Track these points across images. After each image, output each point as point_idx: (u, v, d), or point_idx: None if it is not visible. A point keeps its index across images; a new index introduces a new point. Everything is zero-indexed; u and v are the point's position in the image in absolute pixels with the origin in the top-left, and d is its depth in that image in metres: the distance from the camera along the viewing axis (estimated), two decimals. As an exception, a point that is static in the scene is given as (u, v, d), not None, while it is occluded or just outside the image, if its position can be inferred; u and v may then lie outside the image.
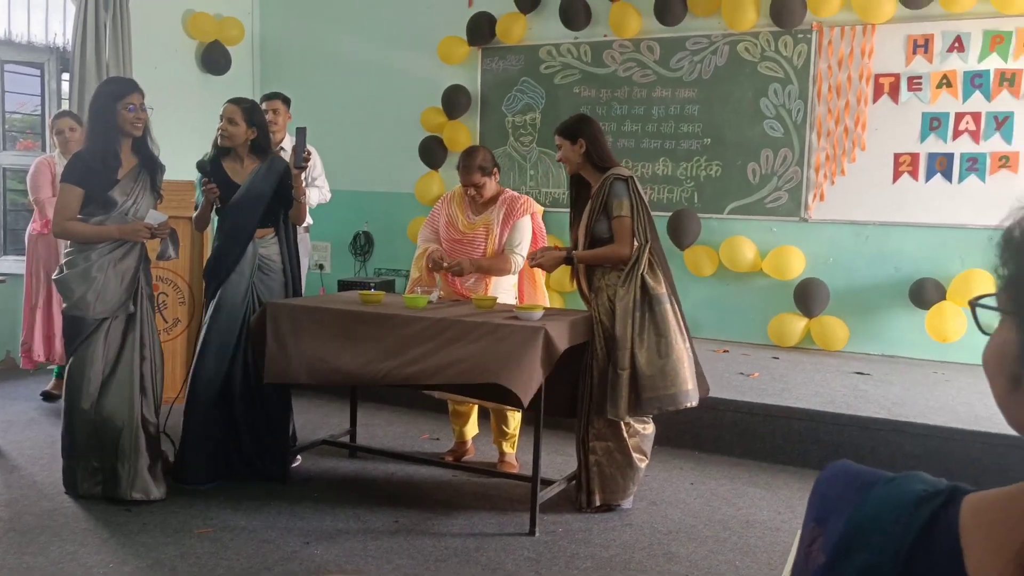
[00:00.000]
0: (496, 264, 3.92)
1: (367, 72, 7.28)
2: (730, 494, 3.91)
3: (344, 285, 6.65)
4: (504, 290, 4.02)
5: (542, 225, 4.11)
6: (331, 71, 7.42)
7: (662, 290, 3.49)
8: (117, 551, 3.08)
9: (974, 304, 0.79)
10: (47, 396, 5.13)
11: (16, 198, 5.99)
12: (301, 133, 3.86)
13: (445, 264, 3.89)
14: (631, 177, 3.55)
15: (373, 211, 7.34)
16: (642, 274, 3.47)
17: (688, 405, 3.50)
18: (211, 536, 3.24)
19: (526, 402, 3.17)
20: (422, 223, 6.82)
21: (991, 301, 0.78)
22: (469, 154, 3.97)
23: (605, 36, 6.44)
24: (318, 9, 7.51)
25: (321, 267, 7.41)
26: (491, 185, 3.98)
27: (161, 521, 3.36)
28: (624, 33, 6.29)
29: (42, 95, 6.22)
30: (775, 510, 3.72)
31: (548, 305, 4.09)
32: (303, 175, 4.05)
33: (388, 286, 6.80)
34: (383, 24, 7.22)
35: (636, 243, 3.50)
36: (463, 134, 6.90)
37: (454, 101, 6.88)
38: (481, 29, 6.74)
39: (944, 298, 5.39)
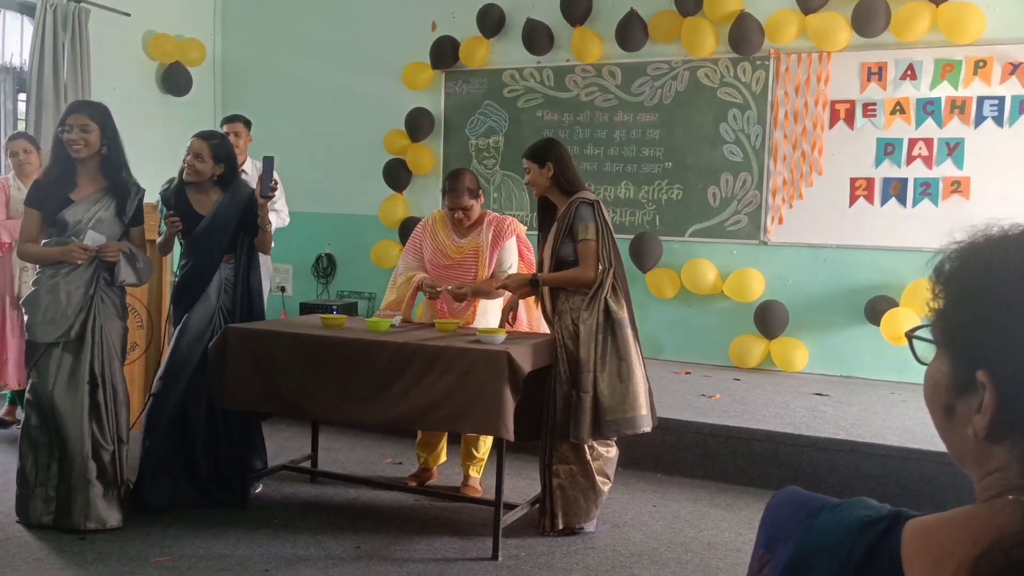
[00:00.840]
0: (490, 286, 3.91)
1: (330, 94, 7.28)
2: (692, 516, 3.93)
3: (306, 308, 6.61)
4: (493, 311, 4.01)
5: (529, 243, 4.10)
6: (294, 93, 7.40)
7: (624, 315, 3.53)
8: (70, 582, 3.02)
9: (910, 336, 0.81)
10: (1, 422, 5.02)
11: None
12: (268, 163, 3.84)
13: (447, 288, 3.87)
14: (597, 201, 3.59)
15: (336, 233, 7.31)
16: (606, 298, 3.49)
17: (644, 430, 3.53)
18: (168, 565, 3.18)
19: (512, 437, 3.21)
20: (386, 245, 6.93)
21: (926, 333, 0.80)
22: (456, 177, 3.97)
23: (567, 61, 6.51)
24: (281, 31, 7.50)
25: (283, 289, 7.36)
26: (477, 207, 3.99)
27: (117, 550, 3.29)
28: (586, 58, 6.37)
29: (-2, 115, 6.13)
30: (736, 531, 3.74)
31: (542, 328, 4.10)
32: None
33: (351, 309, 6.77)
34: (346, 47, 7.23)
35: (601, 267, 3.52)
36: (427, 157, 6.92)
37: (418, 124, 6.91)
38: (444, 53, 6.78)
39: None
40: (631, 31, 6.16)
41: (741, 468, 4.41)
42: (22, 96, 6.13)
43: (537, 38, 6.46)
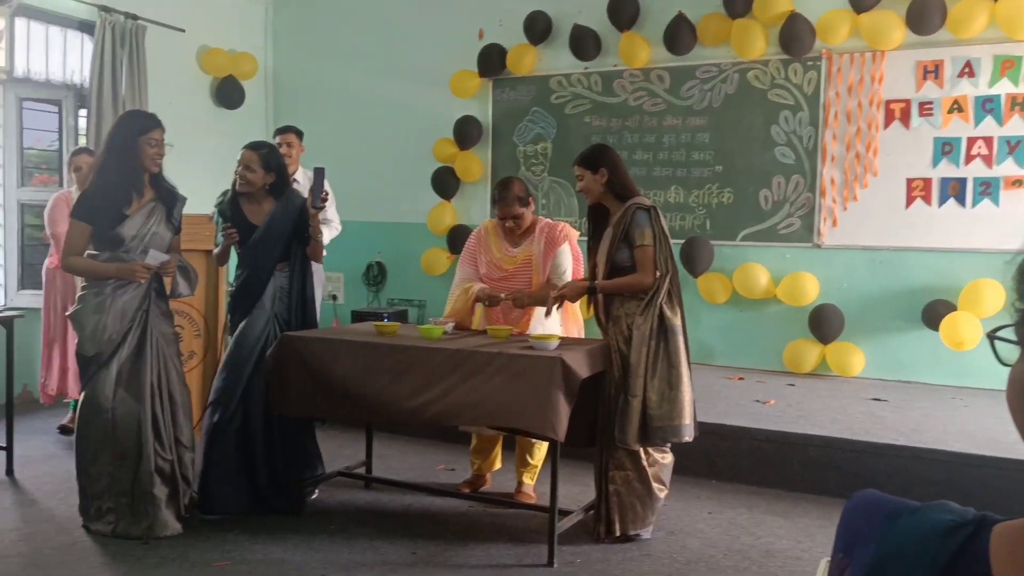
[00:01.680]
0: (551, 295, 3.90)
1: (379, 104, 7.36)
2: (748, 523, 3.88)
3: (357, 316, 6.68)
4: (550, 318, 3.96)
5: (579, 250, 4.09)
6: (344, 104, 7.50)
7: (678, 321, 3.50)
8: (135, 585, 3.08)
9: (992, 336, 0.79)
10: (63, 430, 5.15)
11: (33, 233, 6.05)
12: (319, 174, 3.89)
13: (504, 296, 3.88)
14: (654, 207, 3.56)
15: (386, 241, 7.38)
16: (661, 304, 3.47)
17: (687, 439, 3.50)
18: (229, 569, 3.23)
19: (562, 439, 3.19)
20: (435, 253, 6.98)
21: (1009, 333, 0.78)
22: (505, 186, 3.97)
23: (615, 66, 6.50)
24: (330, 43, 7.61)
25: (334, 298, 7.44)
26: (528, 215, 4.00)
27: (179, 555, 3.35)
28: (634, 63, 6.34)
29: (59, 131, 6.30)
30: (795, 539, 3.69)
31: (582, 335, 4.09)
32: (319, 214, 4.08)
33: (401, 316, 6.82)
34: (395, 57, 7.31)
35: (657, 273, 3.50)
36: (475, 164, 6.95)
37: (466, 132, 6.94)
38: (492, 61, 6.81)
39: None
40: (679, 34, 6.12)
41: (798, 475, 4.34)
42: (83, 112, 6.30)
43: (584, 44, 6.46)
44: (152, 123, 3.57)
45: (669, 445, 3.58)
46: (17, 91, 5.96)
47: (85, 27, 6.25)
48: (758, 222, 6.10)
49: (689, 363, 3.56)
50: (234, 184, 3.87)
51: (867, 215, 5.77)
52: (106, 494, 3.51)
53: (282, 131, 5.22)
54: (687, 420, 3.47)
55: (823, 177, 5.89)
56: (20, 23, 5.89)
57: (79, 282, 4.98)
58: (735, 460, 4.47)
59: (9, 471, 4.35)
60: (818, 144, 5.89)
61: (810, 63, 5.89)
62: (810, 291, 5.84)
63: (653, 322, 3.45)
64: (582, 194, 3.71)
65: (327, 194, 3.89)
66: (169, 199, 3.64)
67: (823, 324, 5.78)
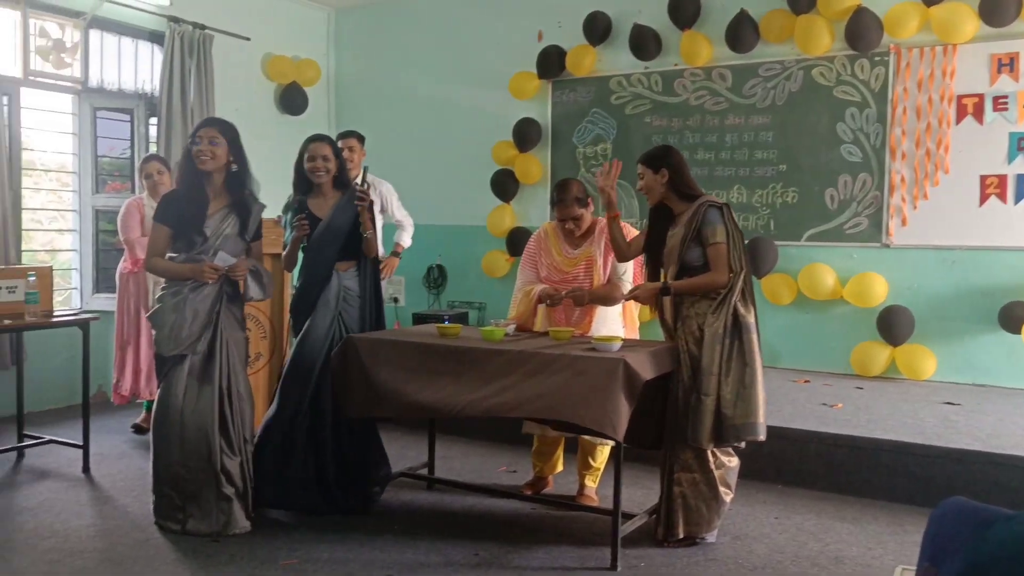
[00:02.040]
0: (609, 292, 3.89)
1: (439, 107, 7.42)
2: (817, 529, 3.79)
3: (419, 318, 6.73)
4: (612, 320, 3.98)
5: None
6: (404, 108, 7.58)
7: (751, 319, 3.45)
8: (206, 582, 3.15)
9: None
10: (137, 429, 5.30)
11: (107, 238, 6.24)
12: (362, 170, 3.97)
13: (564, 293, 3.87)
14: (726, 205, 3.52)
15: (446, 244, 7.42)
16: (735, 302, 3.42)
17: (761, 438, 3.44)
18: (296, 567, 3.28)
19: (621, 438, 3.16)
20: (495, 255, 7.00)
21: None
22: (564, 187, 3.97)
23: (675, 65, 6.44)
24: (391, 48, 7.70)
25: (396, 300, 7.51)
26: (587, 216, 3.98)
27: (248, 552, 3.41)
28: (695, 61, 6.27)
29: (131, 139, 6.49)
30: (865, 546, 3.59)
31: (638, 337, 4.06)
32: (377, 213, 4.12)
33: (462, 318, 6.85)
34: (454, 60, 7.36)
35: (731, 271, 3.46)
36: (534, 166, 6.95)
37: (525, 134, 6.95)
38: (551, 62, 6.81)
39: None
40: (742, 32, 6.04)
41: (867, 480, 4.23)
42: (153, 120, 6.47)
43: (644, 43, 6.41)
44: (199, 124, 3.71)
45: (733, 447, 3.53)
46: (91, 101, 6.15)
47: (155, 38, 6.43)
48: (824, 222, 5.98)
49: (762, 362, 3.51)
50: (296, 183, 3.92)
51: (938, 213, 5.61)
52: (176, 492, 3.60)
53: (344, 136, 5.29)
54: (761, 418, 3.41)
55: (892, 175, 5.74)
56: (94, 35, 6.08)
57: (152, 285, 5.15)
58: (802, 464, 4.38)
59: (85, 468, 4.49)
60: (886, 141, 5.75)
61: (877, 58, 5.75)
62: (879, 292, 5.70)
63: (727, 320, 3.40)
64: (642, 193, 3.68)
65: (369, 186, 3.93)
66: (244, 208, 3.70)
67: (893, 326, 5.63)
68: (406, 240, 5.59)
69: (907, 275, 5.73)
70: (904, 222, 5.72)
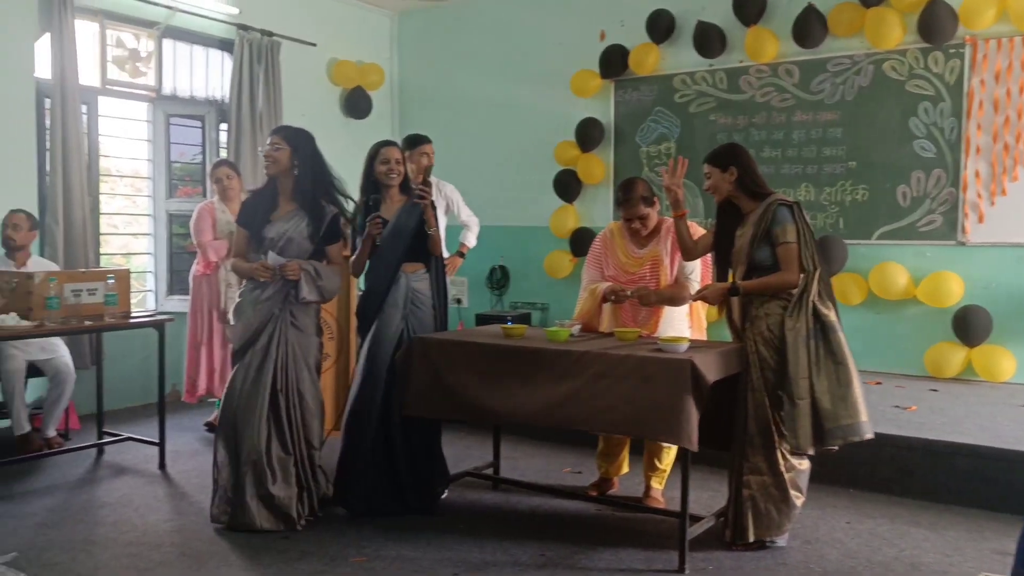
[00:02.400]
0: (676, 292, 3.86)
1: (501, 108, 7.44)
2: (890, 534, 3.70)
3: (481, 319, 6.77)
4: (679, 320, 3.95)
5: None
6: (466, 109, 7.63)
7: (834, 317, 3.38)
8: (278, 577, 3.22)
9: None
10: (210, 427, 5.43)
11: (179, 241, 6.41)
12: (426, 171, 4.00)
13: (630, 292, 3.86)
14: (796, 203, 3.46)
15: (508, 245, 7.44)
16: (813, 301, 3.36)
17: (868, 437, 3.36)
18: (365, 565, 3.33)
19: (695, 447, 3.13)
20: (558, 256, 6.99)
21: None
22: (629, 187, 3.94)
23: (741, 62, 6.35)
24: (453, 50, 7.75)
25: (459, 301, 7.55)
26: (653, 215, 3.96)
27: (318, 549, 3.48)
28: (761, 58, 6.18)
29: (203, 145, 6.66)
30: (942, 552, 3.50)
31: (705, 338, 4.03)
32: (442, 215, 4.13)
33: (525, 319, 6.86)
34: (516, 61, 7.38)
35: (804, 271, 3.40)
36: (597, 166, 6.93)
37: (588, 134, 6.93)
38: (614, 61, 6.77)
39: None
40: (809, 27, 5.92)
41: (944, 485, 4.11)
42: (223, 126, 6.64)
43: (709, 41, 6.34)
44: (269, 133, 3.90)
45: (809, 452, 3.46)
46: (165, 108, 6.33)
47: (225, 45, 6.59)
48: (896, 219, 5.83)
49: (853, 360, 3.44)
50: (364, 188, 3.98)
51: (1017, 210, 5.42)
52: (225, 485, 3.71)
53: (427, 140, 5.09)
54: (863, 417, 3.34)
55: (967, 171, 5.57)
56: (167, 44, 6.26)
57: (223, 288, 5.29)
58: (874, 468, 4.28)
59: (161, 465, 4.63)
60: (961, 136, 5.58)
61: (952, 51, 5.59)
62: (954, 291, 5.54)
63: (808, 321, 3.34)
64: (709, 192, 3.64)
65: (426, 188, 3.94)
66: (314, 213, 3.77)
67: (969, 326, 5.46)
68: (471, 240, 5.60)
69: (984, 274, 5.55)
70: (981, 219, 5.54)
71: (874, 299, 5.85)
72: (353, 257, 4.00)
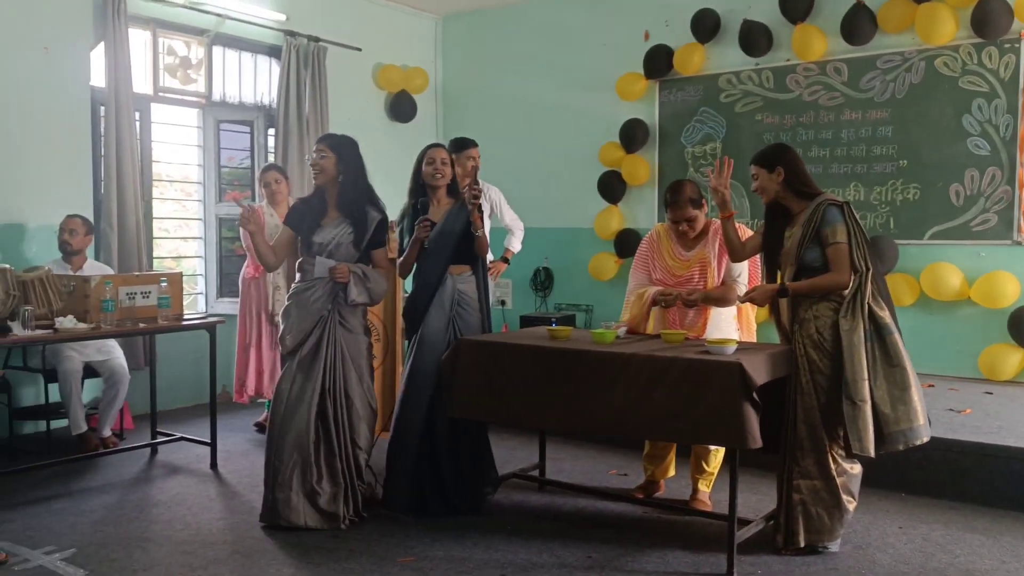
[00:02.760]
0: (725, 295, 3.84)
1: (545, 110, 7.44)
2: (945, 540, 3.63)
3: (526, 321, 6.77)
4: (726, 322, 3.92)
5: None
6: (510, 111, 7.64)
7: (889, 319, 3.33)
8: (327, 576, 3.26)
9: None
10: (260, 427, 5.53)
11: (228, 245, 6.52)
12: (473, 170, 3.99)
13: (680, 295, 3.84)
14: (846, 203, 3.41)
15: (553, 247, 7.44)
16: (868, 303, 3.32)
17: (924, 440, 3.32)
18: (413, 565, 3.35)
19: (759, 444, 3.11)
20: (602, 257, 6.97)
21: None
22: (677, 189, 3.92)
23: (788, 60, 6.28)
24: (496, 53, 7.78)
25: (503, 303, 7.57)
26: (701, 217, 3.94)
27: (366, 549, 3.51)
28: (808, 56, 6.10)
29: (251, 150, 6.77)
30: (999, 558, 3.42)
31: (755, 340, 3.99)
32: (486, 218, 4.13)
33: (569, 321, 6.85)
34: (559, 63, 7.38)
35: (855, 271, 3.35)
36: (642, 167, 6.90)
37: (632, 135, 6.91)
38: (658, 62, 6.74)
39: None
40: (858, 24, 5.84)
41: (999, 490, 4.02)
42: (271, 131, 6.74)
43: (755, 39, 6.27)
44: (317, 139, 3.97)
45: (857, 455, 3.41)
46: (215, 114, 6.45)
47: (273, 52, 6.69)
48: (948, 219, 5.72)
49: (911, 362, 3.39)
50: (414, 190, 4.01)
51: (1076, 208, 5.30)
52: (274, 483, 3.75)
53: (475, 144, 5.12)
54: (922, 420, 3.30)
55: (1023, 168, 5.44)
56: (216, 51, 6.37)
57: (271, 291, 5.36)
58: (928, 473, 4.20)
59: (213, 465, 4.71)
60: (1017, 133, 5.45)
61: (1007, 45, 5.46)
62: (1010, 292, 5.41)
63: (865, 323, 3.30)
64: (756, 193, 3.60)
65: (478, 190, 3.95)
66: (358, 220, 3.84)
67: (1026, 328, 5.34)
68: (516, 245, 5.61)
69: (1041, 274, 5.42)
70: (1037, 218, 5.42)
71: (926, 300, 5.74)
72: (401, 259, 4.03)
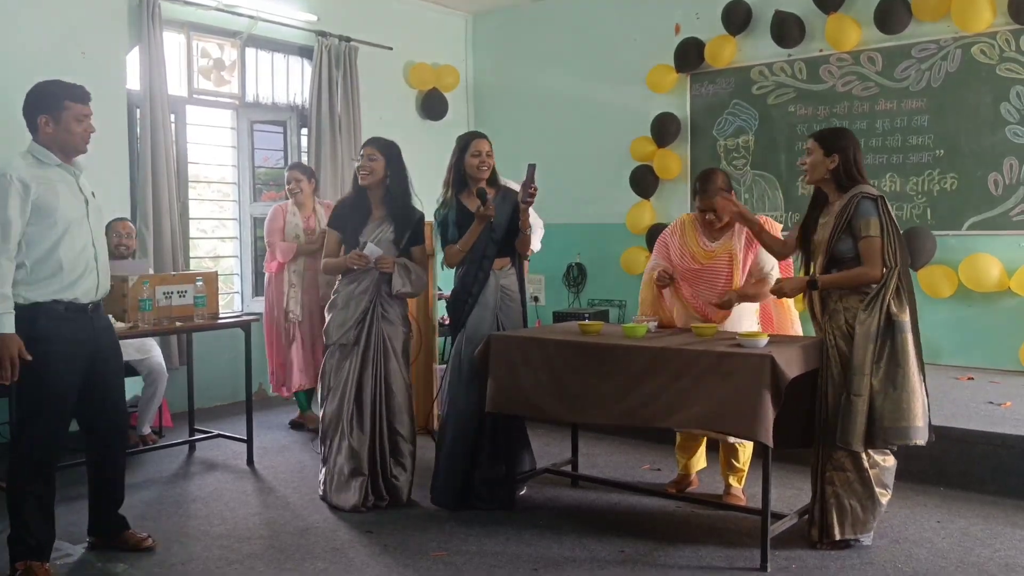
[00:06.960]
0: (759, 289, 3.80)
1: (576, 105, 7.43)
2: (984, 535, 3.57)
3: (559, 316, 6.76)
4: (747, 315, 3.90)
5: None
6: (541, 107, 7.63)
7: (906, 318, 3.28)
8: (363, 570, 3.29)
9: None
10: (294, 425, 5.59)
11: (262, 244, 6.57)
12: (531, 169, 3.94)
13: (715, 301, 3.83)
14: (881, 196, 3.35)
15: (585, 242, 7.43)
16: (888, 299, 3.27)
17: (916, 442, 3.27)
18: (446, 559, 3.38)
19: (771, 443, 3.10)
20: (634, 252, 6.95)
21: None
22: (707, 177, 3.89)
23: (821, 51, 6.20)
24: (527, 49, 7.77)
25: (536, 299, 7.57)
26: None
27: (400, 543, 3.55)
28: (842, 46, 6.02)
29: (284, 150, 6.84)
30: (1041, 554, 3.36)
31: (799, 330, 3.97)
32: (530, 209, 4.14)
33: (602, 316, 6.83)
34: (590, 58, 7.36)
35: (886, 266, 3.31)
36: (674, 161, 6.86)
37: (664, 129, 6.87)
38: (689, 55, 6.70)
39: None
40: (893, 12, 5.75)
41: (1042, 484, 3.95)
42: (304, 131, 6.80)
43: (787, 30, 6.21)
44: (364, 143, 4.10)
45: (893, 448, 3.37)
46: (248, 115, 6.53)
47: (305, 52, 6.75)
48: (987, 209, 5.62)
49: (922, 363, 3.33)
50: (449, 182, 4.03)
51: (1120, 196, 5.17)
52: (331, 470, 4.00)
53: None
54: (917, 422, 3.25)
55: (1065, 156, 5.33)
56: (249, 53, 6.45)
57: (287, 288, 5.39)
58: (967, 466, 4.13)
59: (249, 461, 4.78)
60: (1058, 120, 5.34)
61: (1046, 32, 5.35)
62: (1051, 283, 5.31)
63: (880, 319, 3.25)
64: (802, 167, 3.54)
65: (535, 188, 3.96)
66: (400, 220, 3.98)
67: (1068, 319, 5.23)
68: (535, 244, 5.57)
69: (1084, 264, 5.31)
70: (1080, 207, 5.30)
71: (965, 292, 5.65)
72: (458, 246, 3.96)
